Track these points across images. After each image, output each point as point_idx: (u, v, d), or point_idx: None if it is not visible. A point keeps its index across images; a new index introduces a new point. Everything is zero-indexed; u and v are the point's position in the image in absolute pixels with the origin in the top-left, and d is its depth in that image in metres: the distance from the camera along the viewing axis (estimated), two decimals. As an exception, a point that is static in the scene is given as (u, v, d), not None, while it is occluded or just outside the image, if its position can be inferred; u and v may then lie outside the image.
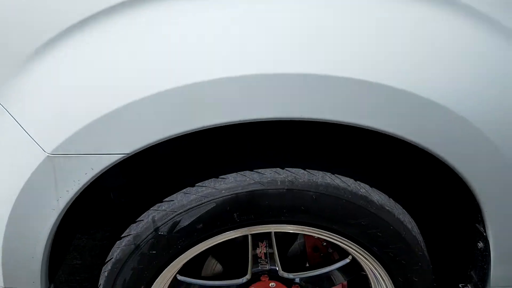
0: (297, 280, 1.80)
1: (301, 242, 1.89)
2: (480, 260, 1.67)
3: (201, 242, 1.56)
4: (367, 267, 1.72)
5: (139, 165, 1.84)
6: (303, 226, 1.57)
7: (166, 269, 1.61)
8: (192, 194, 1.54)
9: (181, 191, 1.56)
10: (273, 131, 1.70)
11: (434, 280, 1.74)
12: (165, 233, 1.54)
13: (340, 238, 1.62)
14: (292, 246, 1.90)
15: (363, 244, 1.60)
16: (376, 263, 1.65)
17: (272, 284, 1.83)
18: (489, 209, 1.52)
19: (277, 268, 1.77)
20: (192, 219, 1.52)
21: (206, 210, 1.51)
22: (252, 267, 1.77)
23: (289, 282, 1.82)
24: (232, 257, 1.89)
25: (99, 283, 1.69)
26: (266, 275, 1.80)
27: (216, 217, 1.52)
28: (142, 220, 1.59)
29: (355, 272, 1.77)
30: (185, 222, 1.53)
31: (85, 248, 3.24)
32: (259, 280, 1.82)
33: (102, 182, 2.28)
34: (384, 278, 1.69)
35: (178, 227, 1.53)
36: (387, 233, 1.59)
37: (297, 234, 1.88)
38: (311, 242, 1.86)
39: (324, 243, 1.85)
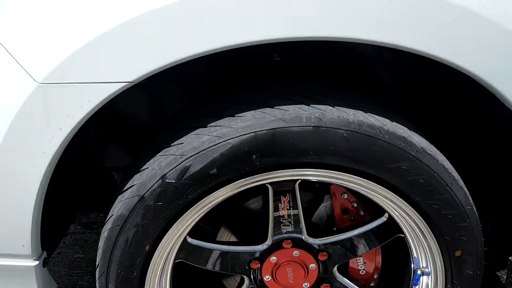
0: (324, 247, 1.57)
1: (327, 204, 1.66)
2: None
3: (214, 191, 1.35)
4: (407, 226, 1.49)
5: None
6: (333, 172, 1.35)
7: (174, 226, 1.39)
8: (204, 134, 1.33)
9: (191, 133, 1.36)
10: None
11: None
12: (173, 181, 1.33)
13: (375, 191, 1.40)
14: (318, 210, 1.67)
15: (404, 194, 1.38)
16: (419, 218, 1.42)
17: (295, 252, 1.61)
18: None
19: (301, 233, 1.55)
20: (204, 163, 1.32)
21: (221, 152, 1.31)
22: (273, 233, 1.55)
23: (314, 250, 1.59)
24: (248, 225, 1.68)
25: (98, 247, 1.48)
26: (289, 241, 1.57)
27: (232, 160, 1.31)
28: (147, 168, 1.39)
29: (391, 234, 1.54)
30: (196, 167, 1.32)
31: (88, 242, 3.05)
32: (281, 247, 1.59)
33: (106, 163, 2.12)
34: (427, 237, 1.46)
35: (188, 173, 1.32)
36: (431, 181, 1.37)
37: (323, 196, 1.66)
38: (339, 204, 1.63)
39: (355, 204, 1.62)
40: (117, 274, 1.45)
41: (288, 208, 1.49)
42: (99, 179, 2.13)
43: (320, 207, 1.66)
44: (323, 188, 1.66)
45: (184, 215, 1.38)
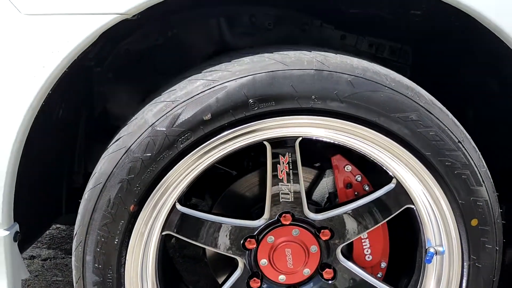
0: (325, 223, 1.43)
1: (329, 179, 1.54)
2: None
3: (207, 140, 1.23)
4: (417, 194, 1.36)
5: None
6: (337, 122, 1.25)
7: (163, 182, 1.26)
8: (198, 79, 1.24)
9: (184, 80, 1.27)
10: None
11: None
12: (164, 129, 1.22)
13: (383, 148, 1.30)
14: (319, 185, 1.54)
15: (414, 149, 1.27)
16: (431, 178, 1.30)
17: (295, 231, 1.46)
18: None
19: (302, 205, 1.41)
20: (198, 109, 1.21)
21: (216, 96, 1.21)
22: (271, 204, 1.41)
23: (316, 228, 1.45)
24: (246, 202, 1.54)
25: (78, 214, 1.33)
26: (288, 215, 1.43)
27: (228, 104, 1.21)
28: (135, 118, 1.28)
29: (400, 205, 1.40)
30: (189, 113, 1.22)
31: (68, 266, 2.83)
32: (279, 223, 1.45)
33: (90, 168, 2.01)
34: (440, 203, 1.33)
35: (180, 120, 1.22)
36: (442, 135, 1.27)
37: (324, 171, 1.54)
38: (342, 178, 1.51)
39: (359, 177, 1.50)
40: (97, 242, 1.29)
41: (288, 170, 1.36)
42: (83, 181, 2.01)
43: (322, 182, 1.54)
44: (324, 164, 1.55)
45: (174, 169, 1.25)
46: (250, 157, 1.63)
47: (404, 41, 1.86)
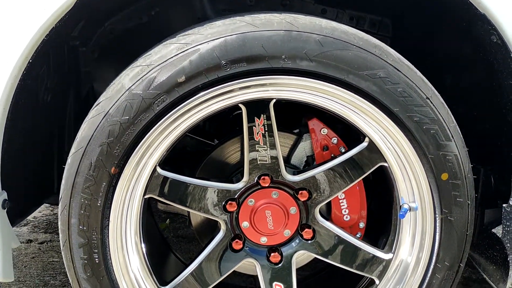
0: (303, 184, 1.48)
1: (307, 143, 1.58)
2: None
3: (182, 102, 1.28)
4: (389, 151, 1.41)
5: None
6: (308, 81, 1.29)
7: (141, 144, 1.31)
8: (172, 43, 1.29)
9: (159, 44, 1.31)
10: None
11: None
12: (140, 92, 1.27)
13: (354, 107, 1.34)
14: (297, 150, 1.59)
15: (383, 106, 1.31)
16: (400, 135, 1.34)
17: (274, 193, 1.51)
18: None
19: (279, 167, 1.46)
20: (172, 71, 1.26)
21: (190, 58, 1.26)
22: (249, 168, 1.46)
23: (294, 190, 1.50)
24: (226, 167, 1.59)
25: (63, 177, 1.38)
26: (267, 177, 1.48)
27: (201, 66, 1.25)
28: (113, 83, 1.33)
29: (373, 163, 1.44)
30: (164, 76, 1.26)
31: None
32: (259, 185, 1.50)
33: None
34: (411, 159, 1.37)
35: (155, 83, 1.26)
36: (409, 91, 1.31)
37: (302, 135, 1.58)
38: (319, 141, 1.55)
39: (335, 140, 1.54)
40: (80, 204, 1.34)
41: (263, 132, 1.40)
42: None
43: (299, 146, 1.58)
44: (302, 129, 1.60)
45: (152, 131, 1.30)
46: (231, 125, 1.68)
47: (383, 13, 1.90)
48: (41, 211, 3.24)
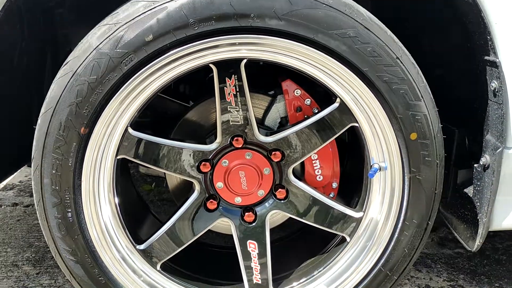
0: (276, 145, 1.49)
1: (280, 105, 1.58)
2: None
3: (150, 62, 1.27)
4: (360, 112, 1.41)
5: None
6: (278, 41, 1.28)
7: (111, 104, 1.31)
8: (140, 1, 1.27)
9: (127, 3, 1.29)
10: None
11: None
12: (107, 51, 1.26)
13: (325, 67, 1.34)
14: (271, 111, 1.59)
15: (353, 65, 1.31)
16: (370, 95, 1.35)
17: (248, 154, 1.52)
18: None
19: (252, 128, 1.46)
20: (140, 30, 1.25)
21: (157, 17, 1.24)
22: (222, 129, 1.47)
23: (267, 151, 1.51)
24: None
25: (34, 138, 1.38)
26: (240, 138, 1.49)
27: (168, 25, 1.24)
28: (81, 42, 1.31)
29: (344, 124, 1.45)
30: (131, 34, 1.25)
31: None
32: (232, 147, 1.51)
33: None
34: (380, 119, 1.38)
35: (123, 41, 1.25)
36: (379, 50, 1.31)
37: (275, 97, 1.58)
38: (292, 102, 1.55)
39: (308, 101, 1.55)
40: (52, 164, 1.35)
41: (235, 92, 1.40)
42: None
43: (273, 107, 1.59)
44: (277, 90, 1.60)
45: (121, 91, 1.30)
46: (207, 87, 1.67)
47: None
48: (27, 176, 3.25)
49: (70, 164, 1.35)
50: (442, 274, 2.08)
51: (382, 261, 1.51)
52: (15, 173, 3.30)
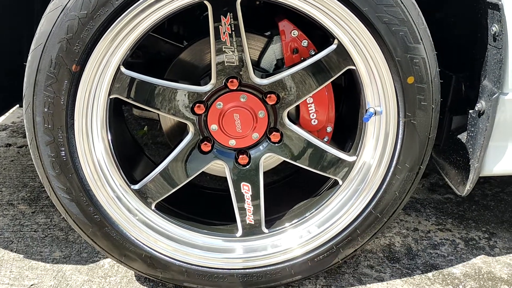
0: (271, 87, 1.47)
1: (276, 46, 1.55)
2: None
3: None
4: (357, 53, 1.39)
5: None
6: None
7: (102, 41, 1.27)
8: None
9: None
10: None
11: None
12: (99, -19, 1.21)
13: (323, 5, 1.30)
14: (267, 53, 1.56)
15: (352, 4, 1.27)
16: (369, 37, 1.32)
17: (242, 96, 1.51)
18: None
19: (247, 69, 1.44)
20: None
21: None
22: (217, 69, 1.44)
23: (262, 93, 1.49)
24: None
25: (25, 75, 1.35)
26: (234, 79, 1.46)
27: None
28: (71, -25, 1.26)
29: (341, 66, 1.43)
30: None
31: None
32: (227, 88, 1.49)
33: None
34: (378, 62, 1.36)
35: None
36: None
37: (272, 38, 1.55)
38: (289, 43, 1.52)
39: (305, 42, 1.51)
40: (44, 102, 1.33)
41: (230, 32, 1.37)
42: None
43: (269, 48, 1.55)
44: (274, 31, 1.56)
45: (112, 27, 1.26)
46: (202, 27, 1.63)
47: None
48: (20, 117, 3.23)
49: (62, 103, 1.33)
50: (430, 218, 2.13)
51: (373, 203, 1.53)
52: (8, 114, 3.29)
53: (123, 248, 1.54)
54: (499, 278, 1.76)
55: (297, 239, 1.61)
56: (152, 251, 1.56)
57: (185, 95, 1.46)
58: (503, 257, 1.89)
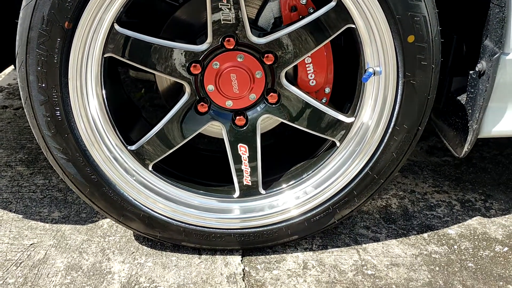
0: (269, 47, 1.44)
1: (274, 4, 1.51)
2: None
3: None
4: (357, 11, 1.35)
5: None
6: None
7: (94, -2, 1.24)
8: None
9: None
10: None
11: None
12: None
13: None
14: (264, 10, 1.53)
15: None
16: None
17: (239, 56, 1.48)
18: None
19: (244, 28, 1.41)
20: None
21: None
22: (213, 30, 1.41)
23: (260, 53, 1.46)
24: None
25: (17, 32, 1.32)
26: (231, 39, 1.44)
27: None
28: None
29: (340, 25, 1.40)
30: None
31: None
32: (223, 48, 1.46)
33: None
34: (378, 20, 1.33)
35: None
36: None
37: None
38: (287, 0, 1.48)
39: (304, 0, 1.48)
40: (37, 61, 1.31)
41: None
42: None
43: (267, 6, 1.51)
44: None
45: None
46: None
47: None
48: (15, 79, 3.19)
49: (55, 61, 1.30)
50: (428, 180, 2.14)
51: (370, 165, 1.53)
52: (3, 76, 3.25)
53: (121, 208, 1.55)
54: (494, 239, 1.79)
55: (294, 200, 1.62)
56: (150, 211, 1.57)
57: (181, 54, 1.43)
58: (499, 218, 1.91)
